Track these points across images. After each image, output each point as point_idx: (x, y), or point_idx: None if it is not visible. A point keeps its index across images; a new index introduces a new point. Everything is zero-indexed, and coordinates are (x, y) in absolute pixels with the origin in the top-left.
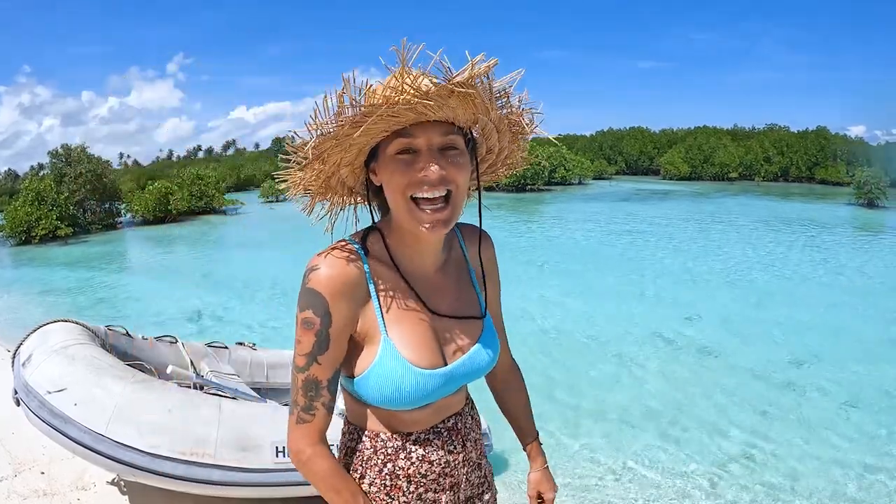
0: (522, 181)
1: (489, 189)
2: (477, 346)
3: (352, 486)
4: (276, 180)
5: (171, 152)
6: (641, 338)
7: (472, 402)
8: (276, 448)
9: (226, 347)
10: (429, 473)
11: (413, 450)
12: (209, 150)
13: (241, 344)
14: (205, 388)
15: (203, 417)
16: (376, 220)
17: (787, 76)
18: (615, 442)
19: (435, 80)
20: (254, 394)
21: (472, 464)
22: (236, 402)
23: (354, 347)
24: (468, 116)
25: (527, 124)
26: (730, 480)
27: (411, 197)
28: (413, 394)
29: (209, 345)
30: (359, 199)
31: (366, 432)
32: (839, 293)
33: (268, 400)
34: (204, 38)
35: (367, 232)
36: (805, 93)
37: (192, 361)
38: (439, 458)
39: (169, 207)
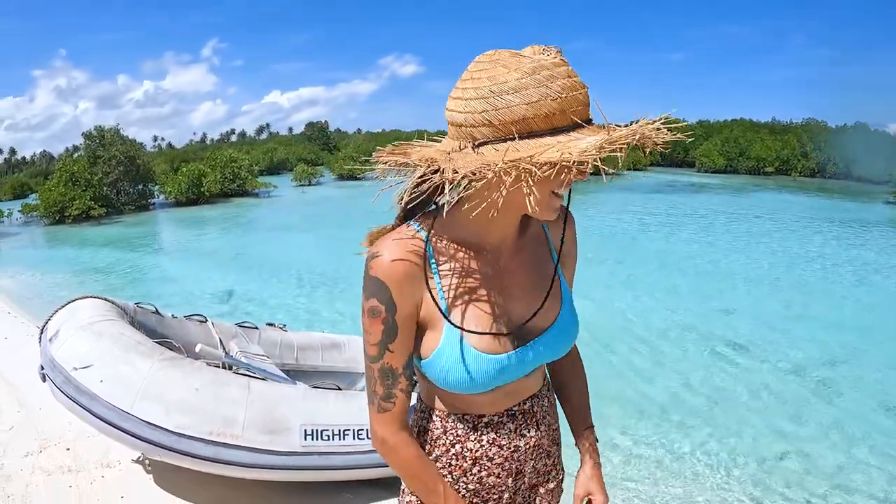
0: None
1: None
2: (553, 327)
3: (434, 473)
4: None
5: (204, 136)
6: (675, 331)
7: (551, 386)
8: (305, 431)
9: (256, 328)
10: (496, 457)
11: (484, 433)
12: (242, 134)
13: (271, 325)
14: (234, 367)
15: (231, 397)
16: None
17: (819, 71)
18: (645, 434)
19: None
20: (283, 375)
21: (541, 450)
22: (265, 382)
23: (421, 331)
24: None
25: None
26: (761, 477)
27: (552, 192)
28: (478, 379)
29: (239, 325)
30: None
31: (436, 412)
32: (875, 293)
33: (297, 382)
34: (238, 23)
35: (429, 214)
36: (842, 87)
37: (221, 341)
38: (509, 443)
39: (202, 189)
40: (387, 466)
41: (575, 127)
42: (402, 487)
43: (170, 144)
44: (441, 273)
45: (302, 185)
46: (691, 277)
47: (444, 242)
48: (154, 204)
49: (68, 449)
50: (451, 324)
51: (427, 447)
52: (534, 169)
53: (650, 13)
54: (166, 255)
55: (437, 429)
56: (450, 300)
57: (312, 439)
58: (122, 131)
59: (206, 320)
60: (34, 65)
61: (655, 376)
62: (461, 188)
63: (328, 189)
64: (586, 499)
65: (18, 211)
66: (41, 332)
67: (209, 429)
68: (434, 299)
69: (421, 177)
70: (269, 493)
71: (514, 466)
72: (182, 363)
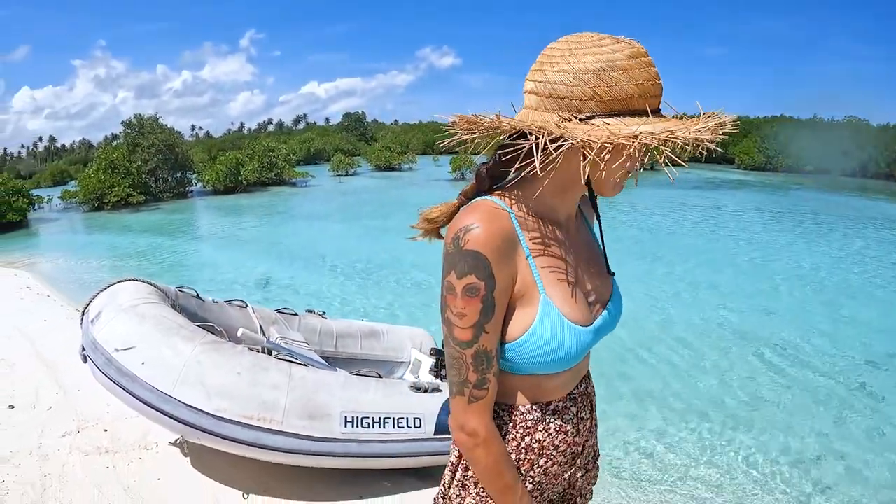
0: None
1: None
2: (612, 301)
3: (514, 471)
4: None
5: (242, 125)
6: (712, 328)
7: None
8: (345, 418)
9: (295, 315)
10: (560, 444)
11: (551, 421)
12: (280, 124)
13: (310, 312)
14: (274, 353)
15: (272, 382)
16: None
17: (862, 67)
18: (681, 432)
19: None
20: (323, 362)
21: (593, 433)
22: (306, 368)
23: (511, 309)
24: None
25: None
26: (796, 481)
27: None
28: (570, 353)
29: (279, 311)
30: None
31: (504, 407)
32: None
33: (338, 369)
34: (276, 14)
35: (506, 188)
36: (886, 85)
37: (261, 326)
38: (573, 427)
39: (239, 178)
40: (426, 455)
41: (657, 112)
42: (449, 492)
43: (208, 133)
44: (529, 244)
45: (339, 175)
46: (731, 276)
47: (524, 215)
48: (192, 192)
49: (106, 430)
50: (547, 297)
51: None
52: (662, 147)
53: (688, 7)
54: (204, 241)
55: (506, 424)
56: (543, 274)
57: (352, 426)
58: (161, 120)
59: (247, 305)
60: (74, 55)
61: (693, 375)
62: (552, 161)
63: (365, 179)
64: None
65: (58, 197)
66: (83, 314)
67: (250, 413)
68: (528, 271)
69: (507, 147)
70: (308, 480)
71: (574, 451)
72: (223, 347)
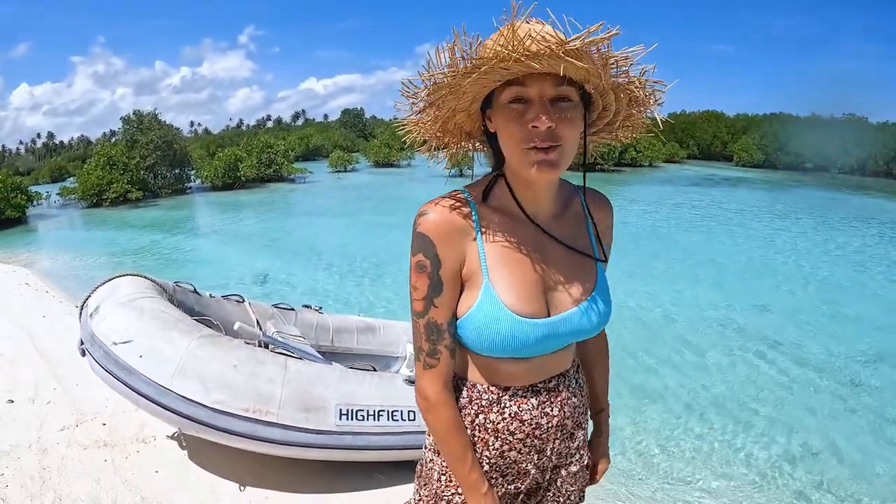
0: (591, 160)
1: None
2: (586, 303)
3: (467, 442)
4: (397, 127)
5: (240, 121)
6: (708, 323)
7: (581, 368)
8: (340, 410)
9: (292, 309)
10: (517, 432)
11: (507, 405)
12: (278, 120)
13: (307, 307)
14: (271, 346)
15: (268, 375)
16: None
17: (866, 65)
18: (674, 427)
19: (550, 35)
20: (319, 356)
21: (564, 431)
22: (302, 362)
23: (462, 290)
24: (579, 76)
25: (646, 95)
26: (790, 476)
27: (524, 147)
28: (510, 341)
29: (276, 306)
30: (477, 144)
31: (464, 381)
32: None
33: (333, 363)
34: (275, 10)
35: (477, 183)
36: (886, 83)
37: (258, 321)
38: (531, 419)
39: (238, 174)
40: (421, 448)
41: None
42: (425, 456)
43: (206, 130)
44: (484, 234)
45: (337, 172)
46: (728, 272)
47: (490, 208)
48: (191, 188)
49: (104, 424)
50: (489, 283)
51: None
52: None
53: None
54: (203, 238)
55: (464, 398)
56: (490, 261)
57: (347, 419)
58: (160, 116)
59: (244, 300)
60: (73, 51)
61: (689, 370)
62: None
63: (363, 175)
64: (594, 465)
65: (57, 194)
66: (81, 308)
67: (246, 405)
68: (476, 257)
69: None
70: (303, 472)
71: (535, 444)
72: (220, 340)
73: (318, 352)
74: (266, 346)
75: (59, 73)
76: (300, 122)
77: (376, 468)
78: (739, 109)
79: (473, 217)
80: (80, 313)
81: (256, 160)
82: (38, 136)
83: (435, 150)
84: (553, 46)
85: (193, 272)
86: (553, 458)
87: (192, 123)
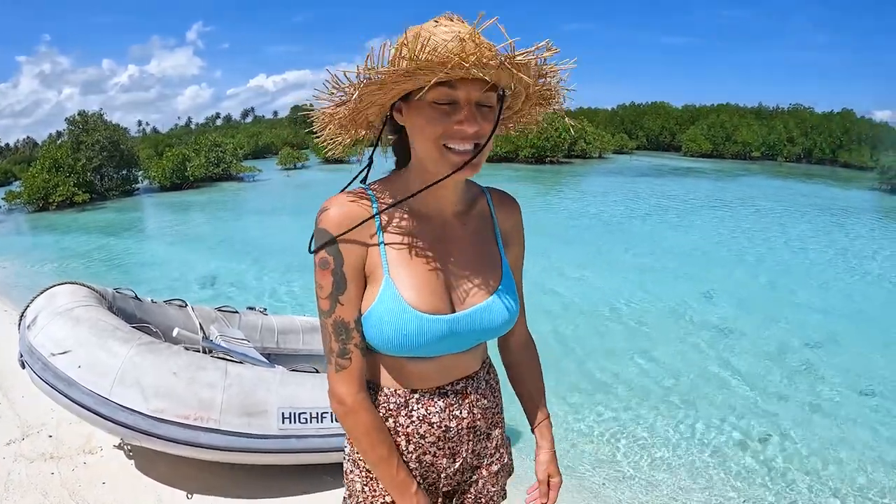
0: (542, 153)
1: (508, 160)
2: (491, 300)
3: (388, 441)
4: (306, 109)
5: (189, 120)
6: (657, 313)
7: (493, 369)
8: (283, 414)
9: (236, 312)
10: (427, 435)
11: (415, 408)
12: (228, 118)
13: (251, 309)
14: (212, 352)
15: (208, 381)
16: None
17: (815, 56)
18: (625, 417)
19: (485, 45)
20: (263, 359)
21: (478, 433)
22: (243, 366)
23: (364, 286)
24: (508, 83)
25: (555, 99)
26: (741, 462)
27: (443, 145)
28: (413, 338)
29: (219, 309)
30: (369, 135)
31: (372, 385)
32: (858, 279)
33: (276, 366)
34: (224, 4)
35: (384, 178)
36: (831, 74)
37: (201, 325)
38: (440, 422)
39: (186, 174)
40: None
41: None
42: (345, 467)
43: (155, 129)
44: (385, 231)
45: (287, 169)
46: (676, 261)
47: (392, 201)
48: (138, 189)
49: (50, 436)
50: (390, 278)
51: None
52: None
53: None
54: (150, 240)
55: (374, 402)
56: (391, 256)
57: (290, 422)
58: (106, 116)
59: (186, 305)
60: (18, 50)
61: (630, 357)
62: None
63: (314, 173)
64: (546, 479)
65: (2, 199)
66: (20, 319)
67: (186, 413)
68: (377, 253)
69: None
70: (252, 477)
71: (448, 447)
72: (159, 348)
73: (264, 354)
74: (208, 352)
75: (4, 74)
76: (249, 119)
77: (326, 470)
78: (688, 100)
79: (374, 212)
80: (19, 324)
81: (205, 159)
82: None
83: (335, 140)
84: (502, 58)
85: (142, 276)
86: (469, 458)
87: (140, 123)
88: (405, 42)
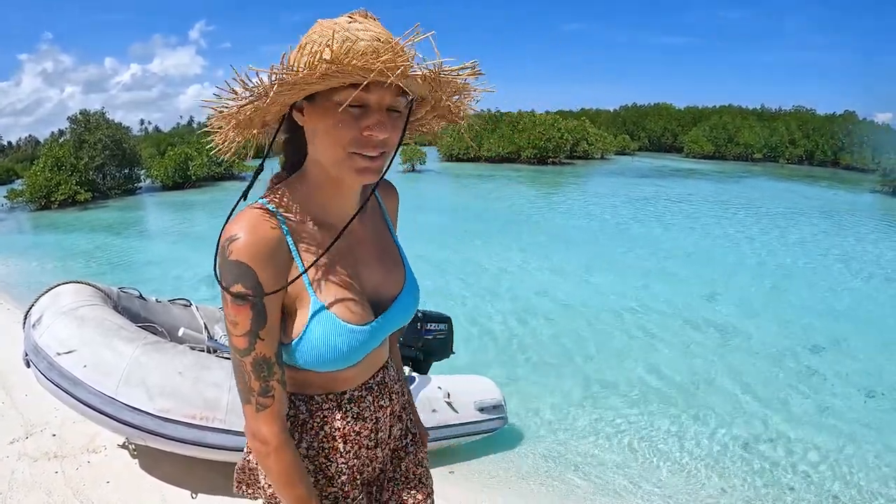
0: (544, 153)
1: (510, 161)
2: (403, 293)
3: (308, 481)
4: (206, 106)
5: (191, 119)
6: (660, 314)
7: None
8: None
9: None
10: (362, 431)
11: (348, 408)
12: None
13: None
14: (217, 351)
15: (214, 381)
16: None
17: (815, 56)
18: (628, 417)
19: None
20: None
21: (395, 416)
22: None
23: (285, 312)
24: (423, 93)
25: (461, 114)
26: (743, 463)
27: (350, 151)
28: (348, 351)
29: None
30: (259, 136)
31: (301, 397)
32: (860, 280)
33: None
34: (226, 4)
35: (276, 190)
36: (832, 75)
37: (205, 325)
38: (371, 415)
39: (188, 173)
40: None
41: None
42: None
43: (157, 128)
44: (299, 248)
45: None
46: (676, 262)
47: (295, 217)
48: (140, 188)
49: (54, 435)
50: (318, 300)
51: (297, 435)
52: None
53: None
54: (153, 238)
55: (303, 413)
56: (311, 275)
57: None
58: (108, 115)
59: (191, 304)
60: (20, 49)
61: (633, 357)
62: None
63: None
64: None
65: (4, 197)
66: (25, 319)
67: (192, 412)
68: (296, 274)
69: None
70: None
71: (378, 437)
72: (165, 347)
73: None
74: (213, 351)
75: (6, 72)
76: None
77: None
78: (690, 101)
79: (284, 231)
80: (24, 323)
81: (207, 158)
82: None
83: (229, 143)
84: (429, 72)
85: (144, 274)
86: (392, 443)
87: (142, 122)
88: (328, 43)
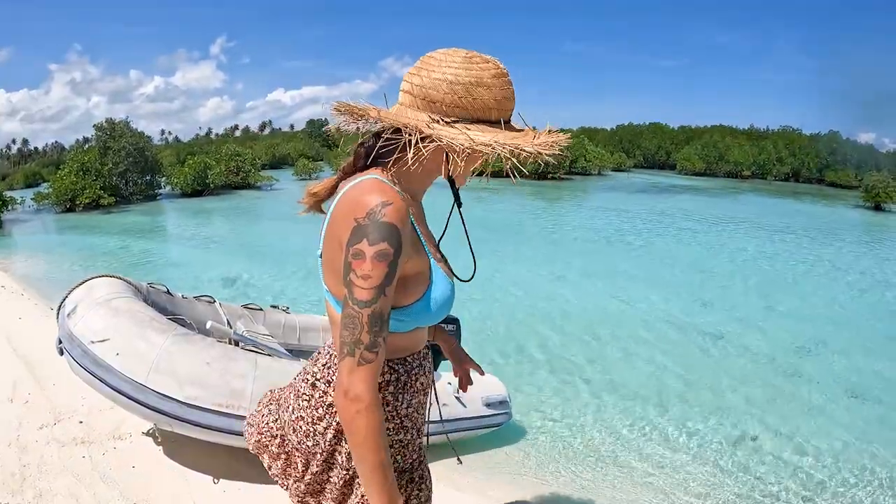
0: (544, 169)
1: (507, 175)
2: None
3: (387, 445)
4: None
5: (210, 130)
6: (652, 320)
7: None
8: None
9: (261, 310)
10: (426, 382)
11: (423, 364)
12: (246, 130)
13: (275, 307)
14: (241, 344)
15: (239, 371)
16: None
17: (799, 78)
18: (620, 420)
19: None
20: (287, 353)
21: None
22: (271, 358)
23: (409, 272)
24: None
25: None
26: (732, 463)
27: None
28: (447, 303)
29: (245, 306)
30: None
31: (398, 360)
32: (844, 289)
33: (301, 360)
34: (246, 20)
35: (378, 170)
36: (818, 97)
37: (228, 321)
38: (429, 370)
39: (207, 181)
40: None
41: (508, 123)
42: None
43: (177, 138)
44: (414, 221)
45: (303, 179)
46: (667, 270)
47: (404, 196)
48: (161, 194)
49: (81, 422)
50: (434, 261)
51: (400, 396)
52: (509, 156)
53: (649, 22)
54: (173, 241)
55: (403, 375)
56: (426, 242)
57: None
58: (132, 124)
59: (214, 301)
60: (51, 58)
61: (627, 362)
62: (422, 155)
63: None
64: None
65: (31, 199)
66: (59, 308)
67: (218, 401)
68: (418, 239)
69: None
70: None
71: (427, 392)
72: (194, 339)
73: (286, 350)
74: (237, 344)
75: (37, 80)
76: (267, 131)
77: None
78: (684, 121)
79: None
80: (58, 313)
81: (225, 168)
82: (13, 141)
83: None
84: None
85: (164, 275)
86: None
87: (163, 132)
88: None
